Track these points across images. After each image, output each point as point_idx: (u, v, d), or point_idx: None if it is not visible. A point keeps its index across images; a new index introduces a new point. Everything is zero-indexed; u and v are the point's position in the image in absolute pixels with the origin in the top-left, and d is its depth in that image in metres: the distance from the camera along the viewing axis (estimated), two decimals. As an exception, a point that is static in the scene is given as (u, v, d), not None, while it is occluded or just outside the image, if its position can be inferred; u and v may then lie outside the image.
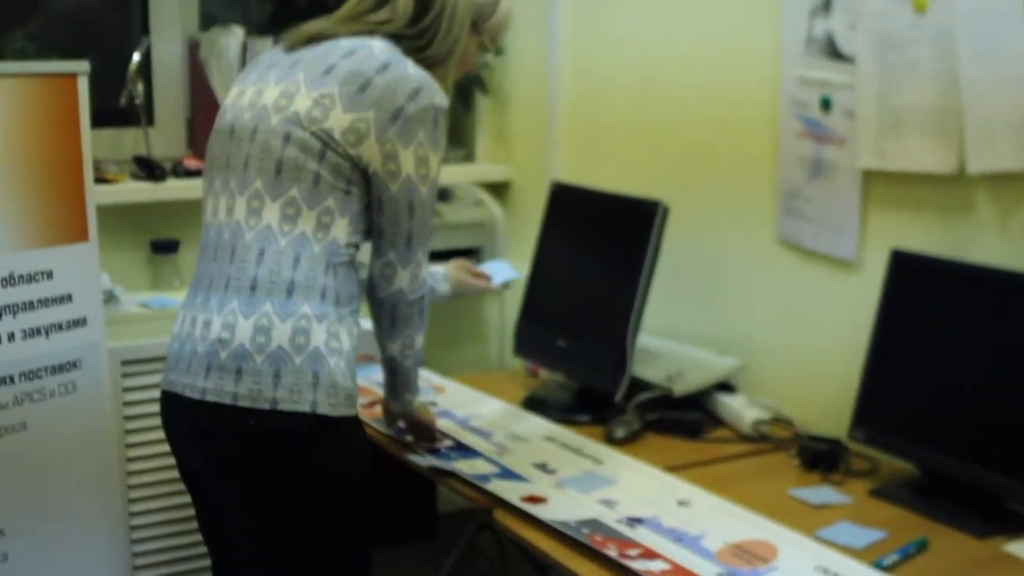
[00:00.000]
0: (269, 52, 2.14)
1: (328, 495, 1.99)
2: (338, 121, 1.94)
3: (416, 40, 2.06)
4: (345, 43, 2.02)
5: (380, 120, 1.95)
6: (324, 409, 1.94)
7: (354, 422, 2.04)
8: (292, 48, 2.07)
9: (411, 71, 1.98)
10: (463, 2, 2.08)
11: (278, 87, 2.00)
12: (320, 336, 1.95)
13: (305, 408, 1.92)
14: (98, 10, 3.45)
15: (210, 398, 1.94)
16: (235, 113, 2.05)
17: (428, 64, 2.05)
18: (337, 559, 2.04)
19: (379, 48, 2.01)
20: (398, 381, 2.24)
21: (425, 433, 2.42)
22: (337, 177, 1.96)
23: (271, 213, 1.96)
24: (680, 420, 2.64)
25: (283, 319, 1.93)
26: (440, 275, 2.68)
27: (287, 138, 1.96)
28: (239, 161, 2.01)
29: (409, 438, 2.45)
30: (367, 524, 2.09)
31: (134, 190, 3.07)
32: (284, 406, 1.91)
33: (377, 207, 2.01)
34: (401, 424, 2.43)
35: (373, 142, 1.95)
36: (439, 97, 2.00)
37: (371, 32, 2.04)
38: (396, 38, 2.05)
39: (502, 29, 2.23)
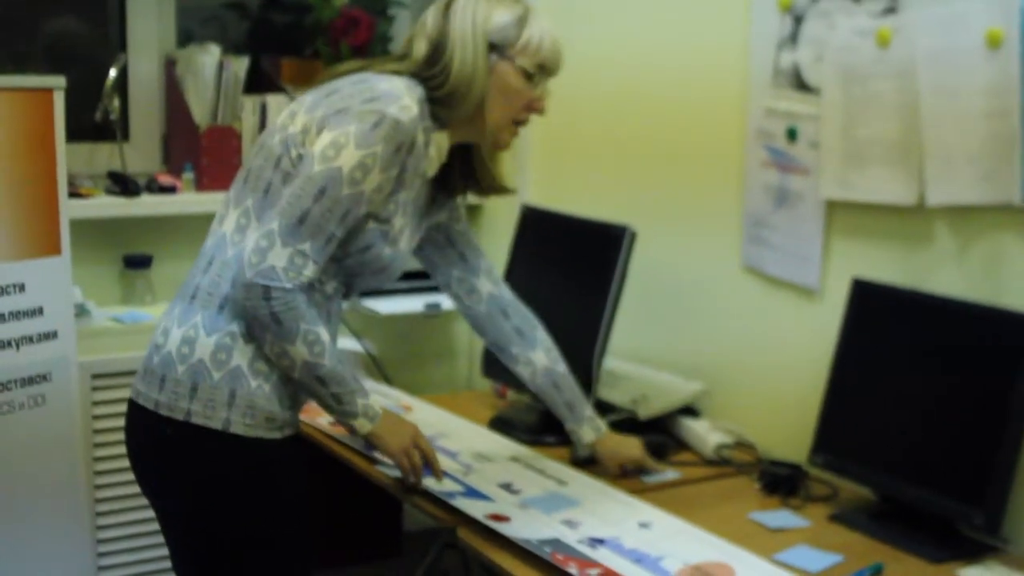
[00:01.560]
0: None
1: (240, 515, 1.98)
2: (297, 123, 1.97)
3: (436, 78, 2.03)
4: (366, 74, 2.03)
5: (326, 115, 1.94)
6: (238, 428, 1.94)
7: (278, 445, 1.99)
8: (328, 79, 2.07)
9: (383, 86, 1.96)
10: (478, 28, 2.04)
11: (288, 110, 2.05)
12: (243, 356, 1.94)
13: (216, 425, 1.93)
14: (76, 26, 3.47)
15: (140, 400, 1.99)
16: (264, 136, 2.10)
17: (456, 102, 2.03)
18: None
19: (389, 78, 2.00)
20: (319, 405, 2.05)
21: (378, 444, 2.17)
22: (283, 188, 1.95)
23: (229, 222, 2.00)
24: (644, 443, 2.66)
25: (208, 333, 1.94)
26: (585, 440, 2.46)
27: (261, 147, 2.02)
28: (242, 177, 2.06)
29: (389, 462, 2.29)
30: (289, 550, 2.04)
31: (108, 205, 3.09)
32: (196, 419, 1.93)
33: None
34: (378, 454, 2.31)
35: (313, 134, 1.94)
36: (394, 109, 1.93)
37: (396, 72, 2.03)
38: (420, 79, 2.03)
39: (545, 53, 2.16)
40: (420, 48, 2.04)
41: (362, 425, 2.08)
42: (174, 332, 1.96)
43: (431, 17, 2.07)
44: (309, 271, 1.90)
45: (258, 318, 1.90)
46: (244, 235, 1.95)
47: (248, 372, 1.94)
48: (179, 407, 1.93)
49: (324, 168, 1.89)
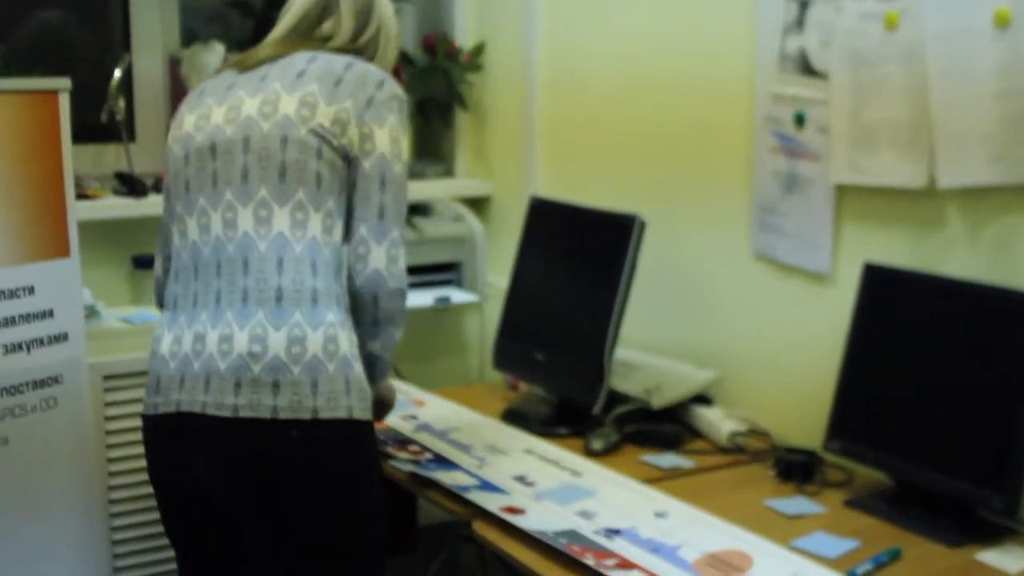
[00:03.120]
0: (217, 78, 2.16)
1: (364, 496, 2.01)
2: (324, 115, 1.98)
3: (358, 57, 2.12)
4: (300, 55, 2.08)
5: (356, 107, 2.00)
6: (358, 413, 1.96)
7: (372, 424, 2.05)
8: (247, 70, 2.11)
9: (372, 68, 2.07)
10: (392, 22, 2.21)
11: (255, 99, 2.03)
12: (345, 342, 1.96)
13: (343, 414, 1.93)
14: (79, 26, 3.46)
15: (245, 414, 1.90)
16: (209, 133, 2.05)
17: None
18: (365, 556, 2.04)
19: (333, 55, 2.09)
20: (375, 372, 2.11)
21: (385, 410, 2.31)
22: (333, 175, 1.99)
23: (281, 220, 1.97)
24: (658, 432, 2.66)
25: (314, 328, 1.92)
26: None
27: (284, 141, 1.98)
28: (234, 174, 2.00)
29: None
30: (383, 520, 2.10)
31: (115, 206, 3.09)
32: (324, 414, 1.91)
33: (352, 189, 2.01)
34: None
35: (353, 127, 1.99)
36: (400, 90, 2.08)
37: (319, 49, 2.11)
38: (340, 52, 2.11)
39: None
40: (348, 23, 2.15)
41: (387, 379, 2.22)
42: (273, 335, 1.91)
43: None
44: None
45: (392, 317, 2.03)
46: (305, 229, 1.97)
47: (351, 357, 1.97)
48: (304, 406, 1.90)
49: (400, 166, 2.04)
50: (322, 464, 1.94)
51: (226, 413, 1.91)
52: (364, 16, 2.17)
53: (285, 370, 1.90)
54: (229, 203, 2.00)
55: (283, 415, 1.89)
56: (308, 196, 1.97)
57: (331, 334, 1.94)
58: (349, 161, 2.00)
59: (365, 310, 2.01)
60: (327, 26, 2.16)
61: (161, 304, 2.19)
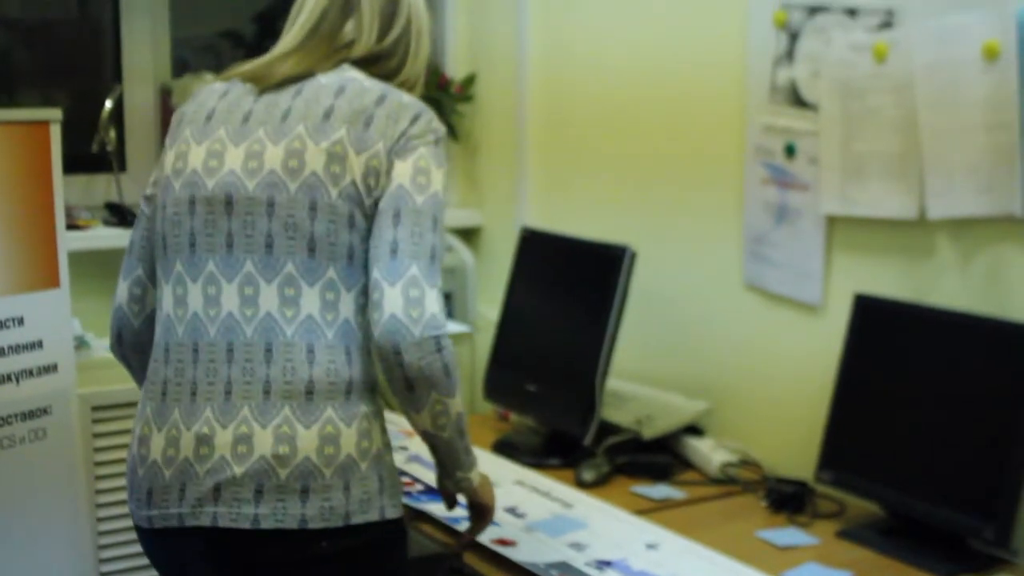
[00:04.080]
0: (228, 97, 1.87)
1: None
2: (355, 167, 1.73)
3: (387, 61, 1.88)
4: (327, 81, 1.81)
5: (387, 147, 1.74)
6: (390, 512, 1.78)
7: (403, 521, 1.85)
8: (265, 89, 1.83)
9: (406, 100, 1.80)
10: (424, 13, 1.94)
11: (279, 147, 1.76)
12: (379, 435, 1.77)
13: (375, 516, 1.75)
14: (71, 57, 3.47)
15: (267, 525, 1.70)
16: (225, 183, 1.78)
17: (404, 89, 1.88)
18: None
19: (364, 79, 1.82)
20: (442, 458, 1.86)
21: (483, 515, 2.03)
22: (367, 244, 1.75)
23: (310, 301, 1.73)
24: (649, 463, 2.65)
25: (348, 423, 1.72)
26: None
27: (313, 208, 1.72)
28: (256, 242, 1.75)
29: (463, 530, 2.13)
30: None
31: (106, 236, 3.08)
32: (356, 519, 1.72)
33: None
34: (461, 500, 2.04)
35: (384, 174, 1.74)
36: (437, 123, 1.81)
37: (343, 61, 1.86)
38: (367, 63, 1.87)
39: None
40: (371, 22, 1.87)
41: (476, 475, 1.92)
42: (303, 434, 1.70)
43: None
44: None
45: (430, 375, 1.68)
46: (338, 310, 1.73)
47: (384, 450, 1.78)
48: (336, 513, 1.71)
49: (425, 197, 1.72)
50: (350, 572, 1.78)
51: (244, 524, 1.70)
52: (390, 11, 1.88)
53: (317, 475, 1.69)
54: (249, 275, 1.75)
55: (313, 525, 1.70)
56: (339, 273, 1.73)
57: (363, 428, 1.74)
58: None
59: (392, 372, 1.69)
60: (349, 29, 1.86)
61: (118, 346, 1.98)
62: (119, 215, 3.15)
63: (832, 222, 2.53)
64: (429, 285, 1.68)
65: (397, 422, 2.99)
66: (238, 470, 1.69)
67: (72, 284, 2.59)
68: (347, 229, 1.73)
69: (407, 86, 1.90)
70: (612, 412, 2.77)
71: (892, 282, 2.41)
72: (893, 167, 2.37)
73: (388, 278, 1.67)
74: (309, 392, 1.71)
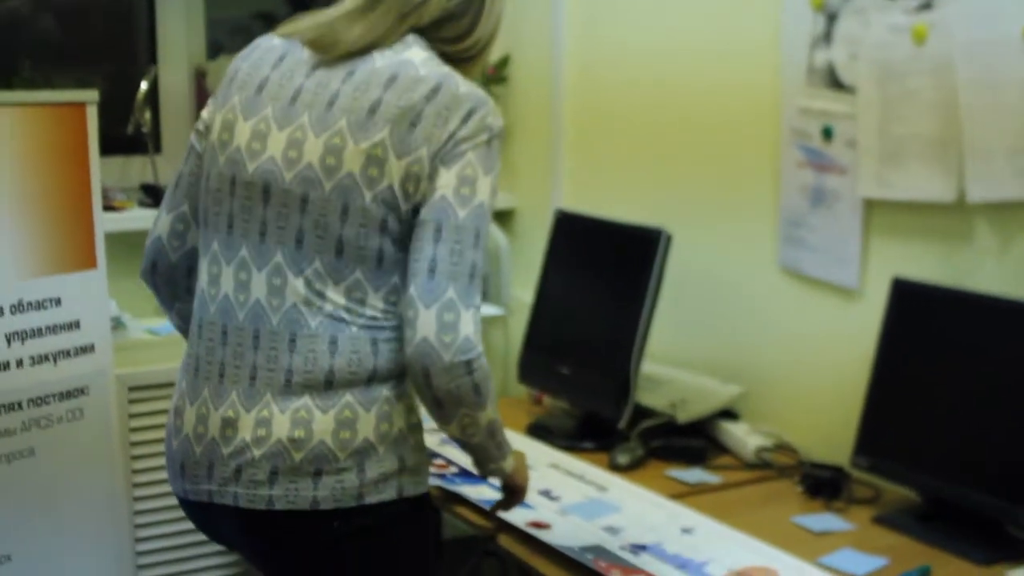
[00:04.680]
0: (283, 62, 1.80)
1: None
2: (394, 172, 1.69)
3: (460, 20, 1.79)
4: (382, 64, 1.74)
5: (431, 151, 1.69)
6: (409, 490, 1.78)
7: (427, 497, 1.87)
8: (321, 64, 1.77)
9: (463, 90, 1.71)
10: None
11: (320, 138, 1.72)
12: (400, 417, 1.76)
13: (391, 495, 1.75)
14: (106, 39, 3.48)
15: (280, 506, 1.73)
16: (264, 167, 1.76)
17: (467, 57, 1.81)
18: None
19: (421, 61, 1.74)
20: (473, 455, 1.88)
21: (515, 495, 2.05)
22: (400, 248, 1.72)
23: (336, 297, 1.73)
24: (683, 447, 2.65)
25: (366, 407, 1.73)
26: None
27: (345, 211, 1.70)
28: (287, 235, 1.74)
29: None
30: None
31: (141, 217, 3.09)
32: (370, 499, 1.74)
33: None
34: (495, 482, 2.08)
35: (425, 179, 1.69)
36: (493, 118, 1.72)
37: (411, 28, 1.77)
38: (437, 25, 1.78)
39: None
40: (439, 2, 1.78)
41: (509, 463, 1.91)
42: (319, 418, 1.71)
43: None
44: (480, 322, 1.71)
45: (458, 396, 1.68)
46: (365, 306, 1.73)
47: (407, 431, 1.77)
48: (348, 493, 1.72)
49: (468, 211, 1.67)
50: (370, 550, 1.78)
51: (260, 506, 1.73)
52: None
53: (331, 458, 1.71)
54: (278, 266, 1.75)
55: (324, 506, 1.72)
56: (366, 275, 1.72)
57: (384, 412, 1.74)
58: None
59: (421, 391, 1.71)
60: None
61: (151, 275, 1.97)
62: (154, 196, 3.16)
63: (869, 205, 2.51)
64: (465, 307, 1.66)
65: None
66: (256, 453, 1.72)
67: (108, 265, 2.60)
68: (378, 233, 1.71)
69: (479, 47, 1.81)
70: (646, 396, 2.77)
71: (930, 266, 2.39)
72: (932, 150, 2.35)
73: (424, 299, 1.65)
74: (329, 382, 1.72)
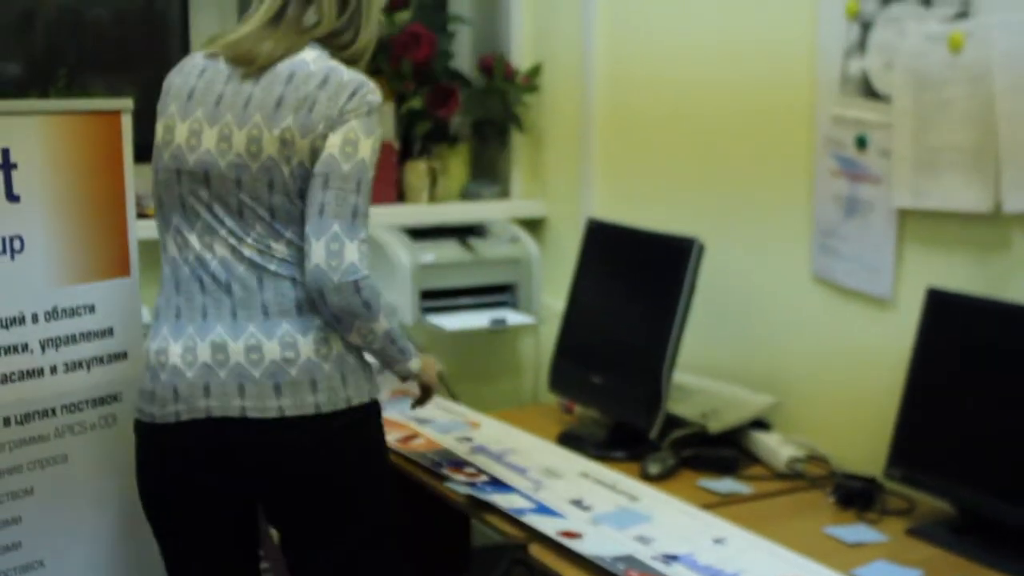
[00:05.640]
0: (205, 74, 2.15)
1: (387, 479, 2.21)
2: (302, 150, 2.04)
3: (343, 36, 2.14)
4: (281, 67, 2.08)
5: (327, 125, 2.03)
6: (375, 394, 2.15)
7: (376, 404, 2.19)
8: (236, 74, 2.10)
9: (346, 77, 2.07)
10: None
11: (242, 131, 2.06)
12: (337, 342, 2.09)
13: (365, 398, 2.12)
14: (139, 48, 3.50)
15: (291, 413, 2.05)
16: (202, 160, 2.10)
17: (355, 59, 2.16)
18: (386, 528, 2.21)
19: (312, 59, 2.09)
20: (382, 360, 2.20)
21: (426, 392, 2.42)
22: (297, 198, 2.07)
23: (281, 249, 2.08)
24: (715, 457, 2.63)
25: (304, 334, 2.07)
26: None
27: (271, 186, 2.06)
28: (231, 208, 2.09)
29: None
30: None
31: (174, 225, 3.10)
32: (355, 401, 2.10)
33: None
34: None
35: (322, 147, 2.04)
36: (372, 95, 2.08)
37: (310, 40, 2.11)
38: (324, 40, 2.12)
39: None
40: (331, 9, 2.13)
41: (415, 363, 2.23)
42: (302, 342, 2.06)
43: None
44: (368, 251, 2.07)
45: (351, 310, 2.03)
46: (270, 251, 2.08)
47: (345, 352, 2.10)
48: (340, 397, 2.07)
49: (351, 165, 2.03)
50: (360, 447, 2.13)
51: (271, 415, 2.05)
52: (344, 9, 2.15)
53: (319, 368, 2.06)
54: (231, 231, 2.09)
55: (325, 408, 2.06)
56: (296, 233, 2.07)
57: (322, 336, 2.08)
58: None
59: (320, 309, 2.06)
60: (310, 14, 2.13)
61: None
62: (187, 204, 3.16)
63: (904, 215, 2.50)
64: (349, 239, 2.02)
65: (461, 413, 3.00)
66: (256, 372, 2.06)
67: (141, 272, 2.61)
68: (299, 199, 2.05)
69: (357, 55, 2.16)
70: (677, 405, 2.76)
71: (965, 276, 2.38)
72: (967, 159, 2.33)
73: (315, 234, 2.02)
74: (299, 309, 2.07)
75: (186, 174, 2.12)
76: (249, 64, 2.10)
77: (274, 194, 2.06)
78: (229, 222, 2.09)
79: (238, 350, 2.06)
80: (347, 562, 2.16)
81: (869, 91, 2.54)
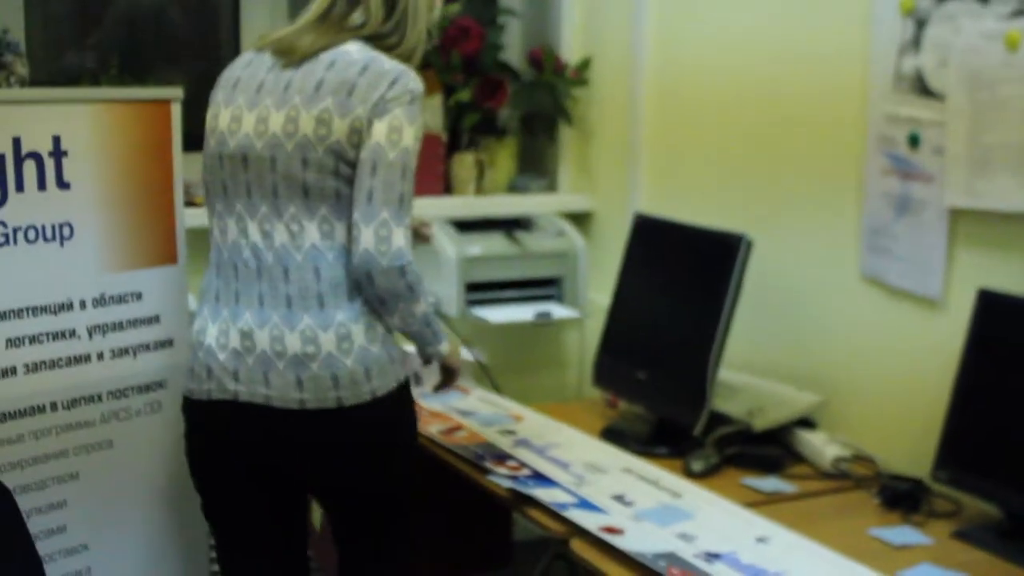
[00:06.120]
0: (251, 68, 2.23)
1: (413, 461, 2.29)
2: (340, 129, 2.10)
3: (389, 38, 2.20)
4: (325, 56, 2.15)
5: (367, 111, 2.09)
6: (401, 377, 2.20)
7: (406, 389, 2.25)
8: (284, 62, 2.18)
9: (387, 66, 2.13)
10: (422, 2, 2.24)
11: (280, 113, 2.14)
12: (381, 324, 2.16)
13: (367, 398, 2.14)
14: (192, 40, 3.53)
15: (311, 406, 2.12)
16: (241, 143, 2.18)
17: (402, 58, 2.20)
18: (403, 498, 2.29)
19: (355, 51, 2.15)
20: (414, 340, 2.28)
21: (451, 375, 2.52)
22: (350, 186, 2.12)
23: (311, 233, 2.14)
24: (759, 455, 2.61)
25: (354, 322, 2.13)
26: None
27: (305, 163, 2.12)
28: (266, 190, 2.16)
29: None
30: None
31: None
32: (380, 392, 2.14)
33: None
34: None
35: (364, 130, 2.10)
36: (414, 82, 2.14)
37: (352, 38, 2.18)
38: (370, 39, 2.19)
39: None
40: (377, 9, 2.19)
41: (445, 346, 2.33)
42: (321, 336, 2.11)
43: None
44: (411, 236, 2.15)
45: (396, 293, 2.12)
46: (334, 238, 2.14)
47: (387, 329, 2.18)
48: (364, 391, 2.12)
49: (397, 153, 2.09)
50: (373, 438, 2.18)
51: (292, 406, 2.12)
52: (391, 9, 2.21)
53: (340, 364, 2.11)
54: (265, 215, 2.16)
55: (348, 403, 2.12)
56: (331, 211, 2.13)
57: (370, 322, 2.14)
58: None
59: (366, 291, 2.13)
60: (356, 15, 2.19)
61: None
62: (236, 193, 3.18)
63: (956, 215, 2.46)
64: (396, 225, 2.09)
65: (504, 406, 3.00)
66: (280, 364, 2.12)
67: (188, 260, 2.63)
68: (333, 177, 2.11)
69: (404, 56, 2.20)
70: (722, 402, 2.74)
71: (1017, 278, 2.34)
72: (1022, 159, 2.29)
73: (364, 220, 2.09)
74: (321, 304, 2.13)
75: (227, 158, 2.20)
76: (291, 54, 2.17)
77: (308, 171, 2.11)
78: (264, 207, 2.16)
79: (263, 339, 2.14)
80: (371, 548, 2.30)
81: (923, 89, 2.51)
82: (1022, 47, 2.28)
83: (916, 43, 2.51)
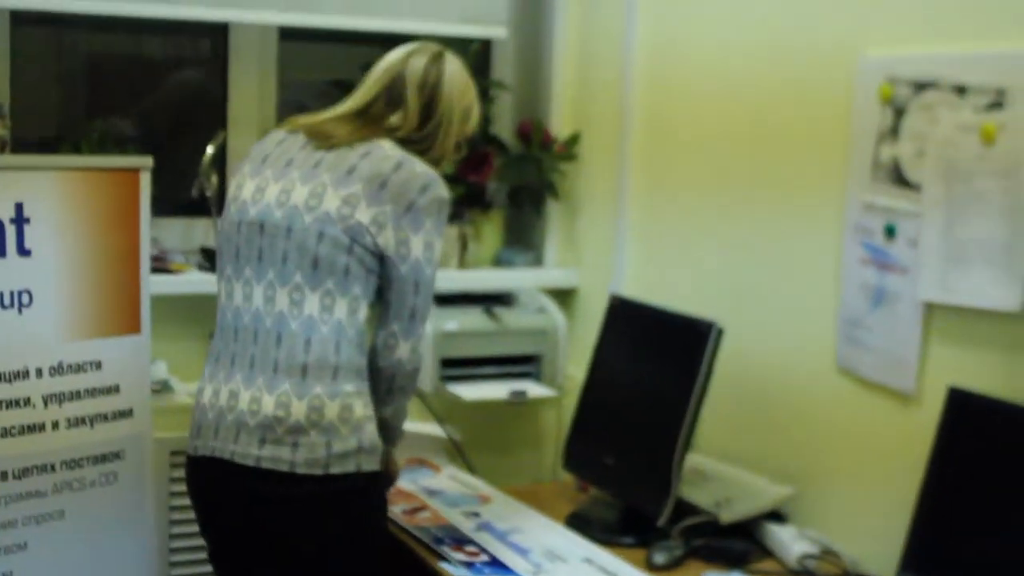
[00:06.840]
0: (281, 146, 2.33)
1: (371, 544, 2.30)
2: (364, 214, 2.19)
3: (420, 144, 2.31)
4: (359, 146, 2.25)
5: (395, 212, 2.20)
6: (366, 467, 2.22)
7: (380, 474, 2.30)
8: (317, 148, 2.27)
9: (419, 169, 2.24)
10: (457, 113, 2.37)
11: (305, 187, 2.23)
12: (360, 408, 2.22)
13: (351, 468, 2.20)
14: (181, 103, 3.52)
15: (266, 465, 2.18)
16: (261, 210, 2.27)
17: (432, 162, 2.31)
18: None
19: (389, 147, 2.26)
20: (389, 436, 2.35)
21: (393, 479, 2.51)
22: (360, 267, 2.21)
23: (312, 304, 2.21)
24: (726, 548, 2.55)
25: (332, 398, 2.19)
26: None
27: (320, 236, 2.20)
28: (276, 257, 2.24)
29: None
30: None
31: (196, 281, 3.08)
32: (335, 469, 2.18)
33: (387, 285, 2.24)
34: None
35: (390, 230, 2.20)
36: (443, 191, 2.26)
37: (386, 136, 2.29)
38: (403, 141, 2.29)
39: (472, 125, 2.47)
40: (413, 117, 2.31)
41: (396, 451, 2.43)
42: (295, 404, 2.18)
43: (417, 86, 2.32)
44: None
45: (406, 390, 2.31)
46: (333, 312, 2.21)
47: (364, 419, 2.22)
48: (319, 464, 2.17)
49: (432, 269, 2.26)
50: (334, 510, 2.21)
51: (249, 463, 2.19)
52: (428, 110, 2.33)
53: (303, 433, 2.17)
54: (270, 281, 2.24)
55: (300, 470, 2.17)
56: (336, 285, 2.20)
57: (347, 403, 2.20)
58: (381, 257, 2.22)
59: (382, 383, 2.28)
60: (394, 119, 2.31)
61: None
62: (212, 260, 3.15)
63: (930, 309, 2.41)
64: (420, 337, 2.28)
65: (474, 485, 2.94)
66: (251, 423, 2.20)
67: (161, 327, 2.61)
68: (345, 253, 2.20)
69: (433, 160, 2.32)
70: (692, 491, 2.68)
71: (992, 377, 2.28)
72: (998, 255, 2.25)
73: (404, 335, 2.26)
74: (304, 373, 2.20)
75: (246, 225, 2.28)
76: (326, 140, 2.28)
77: (322, 244, 2.19)
78: (271, 273, 2.24)
79: (246, 399, 2.22)
80: None
81: (900, 179, 2.47)
82: (999, 140, 2.24)
83: (895, 132, 2.47)
